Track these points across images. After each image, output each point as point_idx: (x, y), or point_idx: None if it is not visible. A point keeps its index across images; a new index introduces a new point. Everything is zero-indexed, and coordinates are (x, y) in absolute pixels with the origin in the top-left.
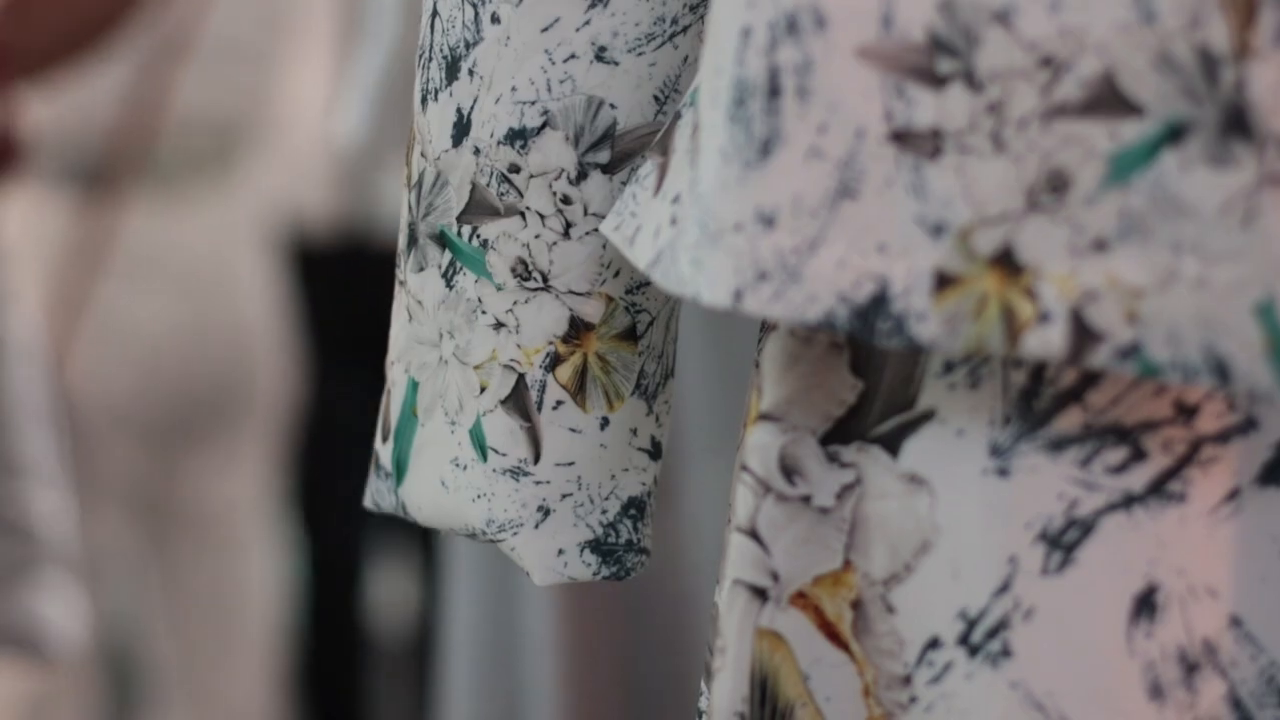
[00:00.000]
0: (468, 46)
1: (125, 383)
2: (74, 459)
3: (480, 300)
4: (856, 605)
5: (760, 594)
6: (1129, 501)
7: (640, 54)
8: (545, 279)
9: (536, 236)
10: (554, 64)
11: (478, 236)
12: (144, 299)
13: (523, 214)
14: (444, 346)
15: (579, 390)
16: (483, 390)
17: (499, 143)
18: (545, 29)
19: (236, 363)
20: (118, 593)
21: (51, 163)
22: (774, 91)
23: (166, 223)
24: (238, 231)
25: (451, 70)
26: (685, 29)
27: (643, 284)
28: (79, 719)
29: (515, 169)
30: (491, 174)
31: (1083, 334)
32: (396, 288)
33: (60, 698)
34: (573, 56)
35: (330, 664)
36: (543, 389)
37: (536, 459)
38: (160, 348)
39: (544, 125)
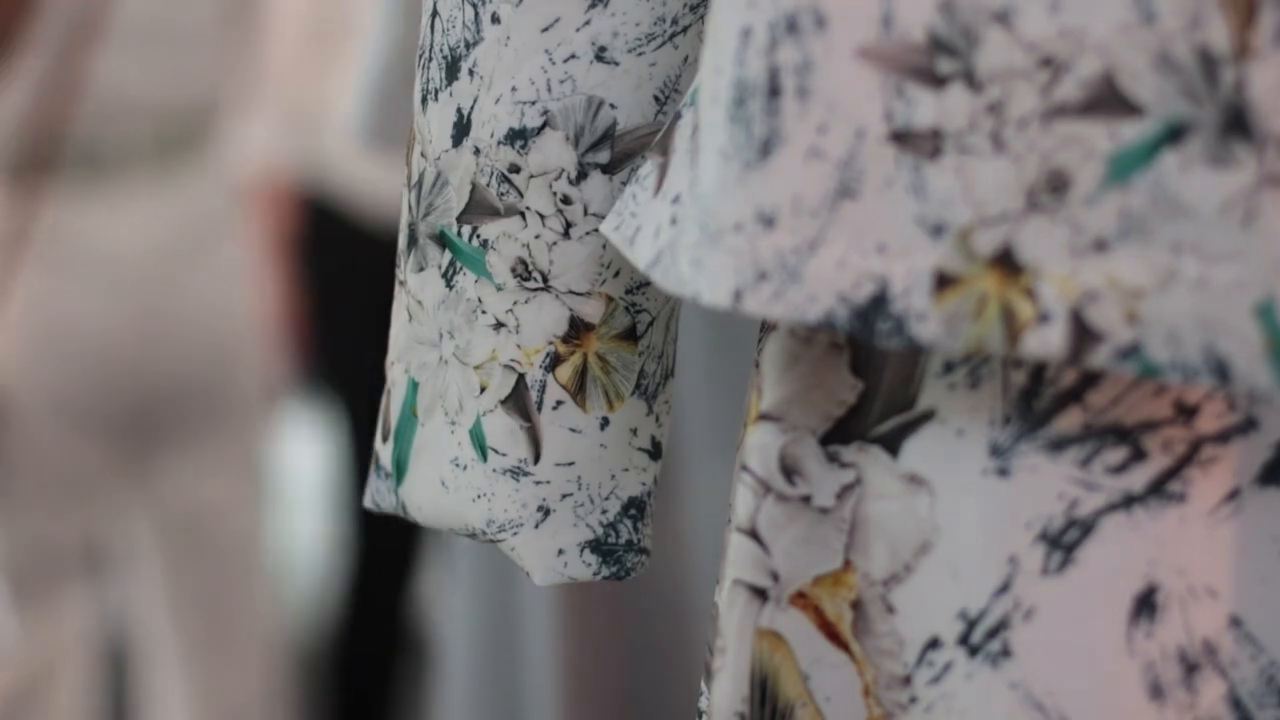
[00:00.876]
0: (468, 46)
1: (74, 380)
2: (27, 455)
3: (480, 300)
4: (856, 605)
5: (760, 594)
6: (1129, 501)
7: (640, 54)
8: (545, 279)
9: (536, 236)
10: (554, 64)
11: (478, 236)
12: (85, 294)
13: (523, 214)
14: (444, 346)
15: (579, 390)
16: (483, 390)
17: (499, 143)
18: (545, 29)
19: (204, 361)
20: (114, 591)
21: None
22: (774, 91)
23: (106, 215)
24: (192, 224)
25: (451, 70)
26: (685, 29)
27: (643, 284)
28: (76, 711)
29: (515, 169)
30: (491, 174)
31: (1083, 334)
32: (396, 288)
33: (57, 697)
34: (573, 56)
35: (371, 662)
36: (543, 389)
37: (536, 459)
38: (109, 345)
39: (544, 125)
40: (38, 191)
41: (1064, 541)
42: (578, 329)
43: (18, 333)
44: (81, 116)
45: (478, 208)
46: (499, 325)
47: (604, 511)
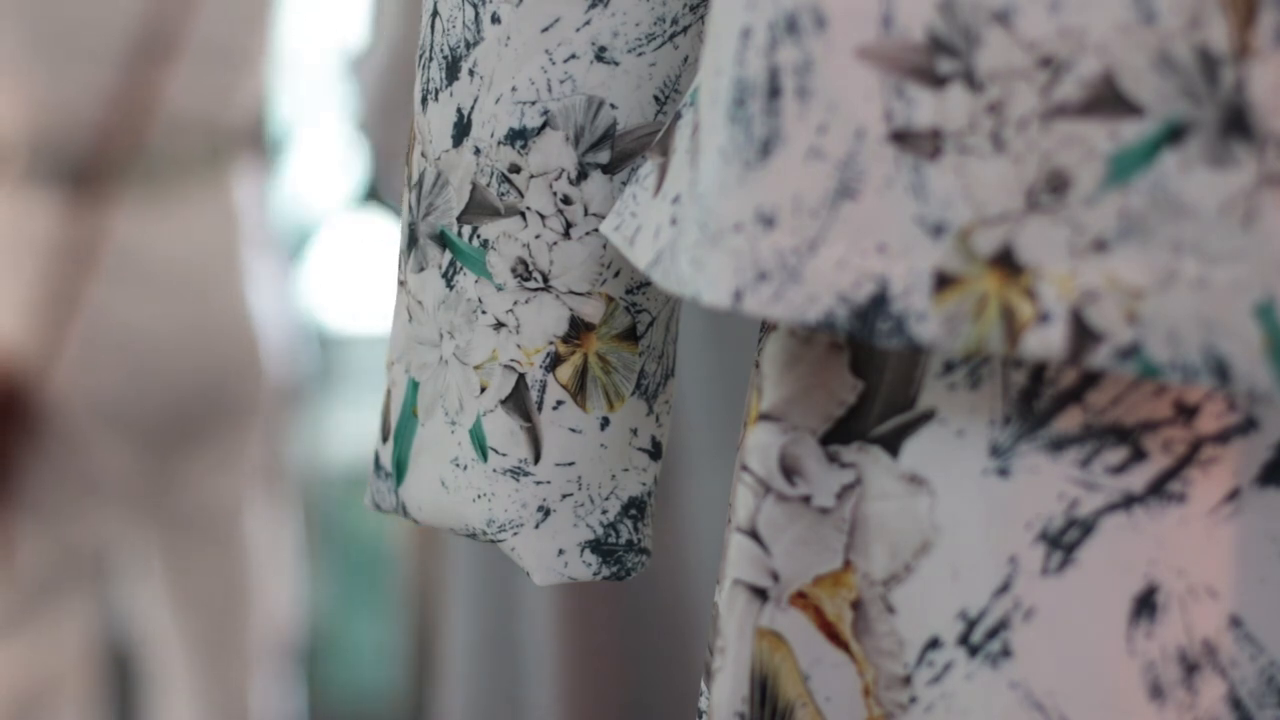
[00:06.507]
0: (468, 46)
1: (116, 383)
2: (64, 457)
3: (480, 300)
4: (857, 605)
5: (760, 594)
6: (1129, 502)
7: (640, 54)
8: (545, 279)
9: (537, 236)
10: (554, 64)
11: (478, 236)
12: (138, 301)
13: (523, 214)
14: (444, 346)
15: (579, 390)
16: (483, 390)
17: (499, 143)
18: (545, 29)
19: (233, 363)
20: (122, 591)
21: (39, 163)
22: (774, 92)
23: (160, 224)
24: (232, 232)
25: (452, 70)
26: (685, 29)
27: (643, 284)
28: (80, 717)
29: (515, 169)
30: (492, 174)
31: (1083, 334)
32: (396, 288)
33: (60, 695)
34: (573, 56)
35: None
36: (543, 389)
37: (537, 459)
38: (155, 349)
39: (544, 125)
40: (104, 203)
41: (1064, 541)
42: (578, 329)
43: (74, 339)
44: (148, 130)
45: (478, 208)
46: (499, 325)
47: (604, 511)
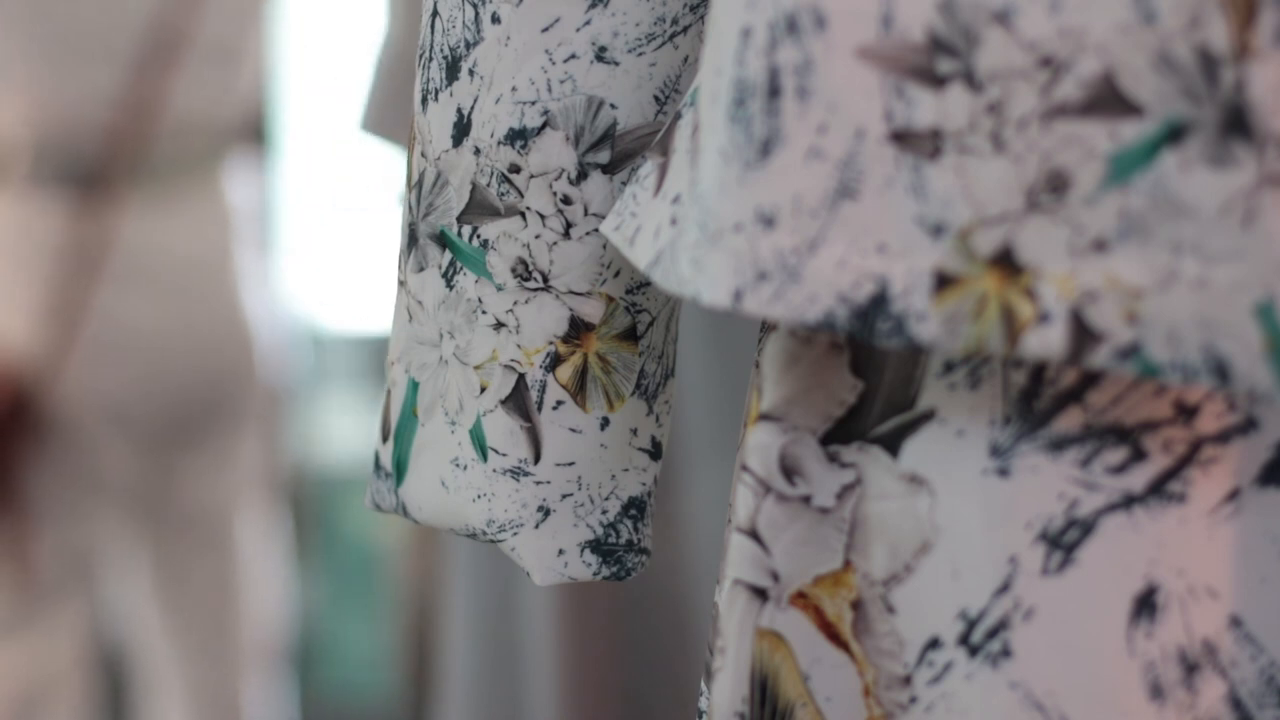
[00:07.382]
0: (468, 46)
1: (122, 385)
2: (70, 460)
3: (480, 300)
4: (857, 605)
5: (760, 594)
6: (1129, 502)
7: (640, 54)
8: (545, 279)
9: (537, 236)
10: (554, 64)
11: (478, 236)
12: (142, 302)
13: (523, 214)
14: (444, 347)
15: (579, 390)
16: (483, 390)
17: (499, 143)
18: (545, 29)
19: (229, 364)
20: (114, 593)
21: (46, 165)
22: (774, 92)
23: (163, 225)
24: (228, 231)
25: (452, 70)
26: (685, 29)
27: (643, 284)
28: (75, 718)
29: (515, 169)
30: (492, 174)
31: (1082, 334)
32: (396, 288)
33: (56, 697)
34: (573, 56)
35: None
36: (543, 389)
37: (537, 459)
38: (158, 350)
39: (544, 125)
40: (110, 205)
41: (1064, 541)
42: (578, 329)
43: (79, 341)
44: (153, 131)
45: (478, 208)
46: (499, 325)
47: (604, 511)
